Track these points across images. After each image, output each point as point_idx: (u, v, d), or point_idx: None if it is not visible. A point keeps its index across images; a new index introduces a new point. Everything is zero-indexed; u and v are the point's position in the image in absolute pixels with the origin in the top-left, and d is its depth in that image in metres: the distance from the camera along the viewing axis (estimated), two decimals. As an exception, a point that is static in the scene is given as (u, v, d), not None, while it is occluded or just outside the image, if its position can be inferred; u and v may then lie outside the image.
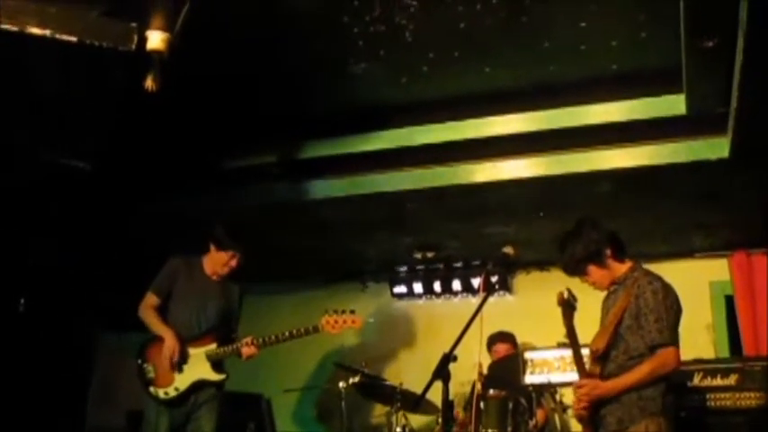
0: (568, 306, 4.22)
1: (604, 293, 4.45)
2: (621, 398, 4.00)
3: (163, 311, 5.63)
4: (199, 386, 5.49)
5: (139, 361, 5.54)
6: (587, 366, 4.15)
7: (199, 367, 5.50)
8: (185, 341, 5.51)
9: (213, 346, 5.55)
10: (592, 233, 4.34)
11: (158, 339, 5.50)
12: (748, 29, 3.55)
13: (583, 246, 4.32)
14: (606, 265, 4.32)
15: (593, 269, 4.34)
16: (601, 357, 4.09)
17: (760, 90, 4.17)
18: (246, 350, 5.52)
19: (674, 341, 4.03)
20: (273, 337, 5.56)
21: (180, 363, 5.46)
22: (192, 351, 5.51)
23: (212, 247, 5.67)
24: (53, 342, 7.63)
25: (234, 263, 5.64)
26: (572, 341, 4.19)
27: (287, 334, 5.56)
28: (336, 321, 5.67)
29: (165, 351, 5.41)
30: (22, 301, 7.30)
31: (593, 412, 4.07)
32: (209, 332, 5.60)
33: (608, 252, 4.32)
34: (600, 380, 4.06)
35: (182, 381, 5.46)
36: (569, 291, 4.27)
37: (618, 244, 4.38)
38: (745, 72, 3.95)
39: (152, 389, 5.46)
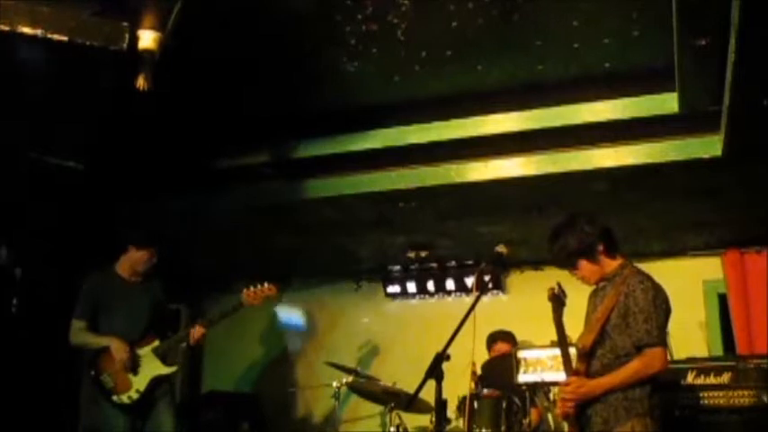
0: (558, 301, 4.20)
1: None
2: (608, 398, 3.96)
3: (93, 330, 5.74)
4: (156, 383, 5.64)
5: (93, 373, 5.61)
6: (574, 364, 4.13)
7: (151, 365, 5.66)
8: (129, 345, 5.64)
9: (156, 342, 5.72)
10: (586, 227, 4.29)
11: (104, 350, 5.60)
12: (740, 27, 3.55)
13: (576, 239, 4.25)
14: (597, 261, 4.26)
15: (583, 263, 4.28)
16: (587, 355, 4.07)
17: (752, 88, 4.18)
18: (194, 332, 5.66)
19: (661, 342, 4.00)
20: (217, 315, 5.78)
21: (133, 365, 5.58)
22: (139, 352, 5.66)
23: (132, 248, 5.84)
24: (45, 341, 7.59)
25: (154, 259, 5.87)
26: (560, 337, 4.17)
27: (225, 311, 5.79)
28: (255, 293, 5.85)
29: (116, 355, 5.54)
30: (15, 301, 7.27)
31: (579, 411, 4.04)
32: (147, 331, 5.75)
33: (600, 248, 4.26)
34: (585, 377, 4.05)
35: (140, 382, 5.60)
36: (560, 285, 4.24)
37: (611, 240, 4.31)
38: (738, 70, 3.95)
39: (115, 397, 5.56)
